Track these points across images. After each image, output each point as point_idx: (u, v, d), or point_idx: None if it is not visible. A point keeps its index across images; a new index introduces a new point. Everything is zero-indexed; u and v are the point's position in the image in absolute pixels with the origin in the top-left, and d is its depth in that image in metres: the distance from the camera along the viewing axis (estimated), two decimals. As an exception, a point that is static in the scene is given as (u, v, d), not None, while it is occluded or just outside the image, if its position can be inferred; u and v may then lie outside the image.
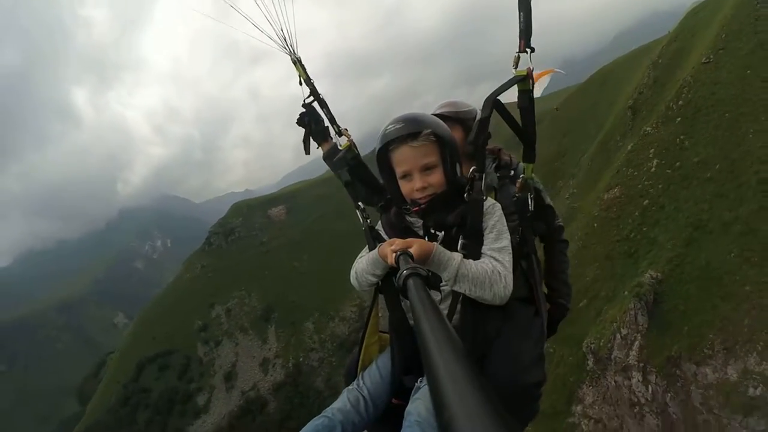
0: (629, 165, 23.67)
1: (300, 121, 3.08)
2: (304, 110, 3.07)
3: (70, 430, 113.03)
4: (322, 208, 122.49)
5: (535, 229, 2.72)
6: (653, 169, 21.93)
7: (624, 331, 17.46)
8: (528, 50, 2.31)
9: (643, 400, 17.03)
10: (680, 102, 23.16)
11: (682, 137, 21.53)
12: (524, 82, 2.35)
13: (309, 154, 3.14)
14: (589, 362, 19.34)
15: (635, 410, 17.38)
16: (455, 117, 2.93)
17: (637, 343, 17.03)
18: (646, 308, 16.97)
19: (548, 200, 3.03)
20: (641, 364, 16.81)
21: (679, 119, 22.43)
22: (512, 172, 2.82)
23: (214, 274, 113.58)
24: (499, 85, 2.41)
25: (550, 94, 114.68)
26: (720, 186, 18.26)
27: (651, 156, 22.54)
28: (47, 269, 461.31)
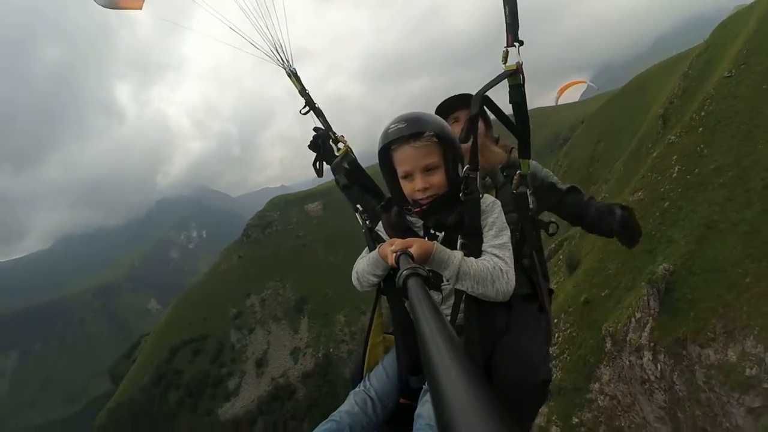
0: (654, 171, 25.87)
1: (313, 145, 3.03)
2: (316, 134, 3.04)
3: (98, 408, 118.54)
4: None
5: (536, 225, 2.74)
6: (674, 174, 24.12)
7: (638, 315, 19.93)
8: (516, 44, 2.35)
9: (652, 378, 19.40)
10: (703, 113, 25.22)
11: (702, 146, 23.69)
12: (514, 76, 2.38)
13: (322, 176, 3.12)
14: (607, 344, 21.70)
15: (645, 387, 19.76)
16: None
17: (648, 325, 19.47)
18: (658, 295, 19.35)
19: (559, 184, 3.11)
20: (652, 344, 19.21)
21: (701, 129, 24.54)
22: (518, 171, 2.78)
23: (251, 264, 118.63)
24: (489, 80, 2.44)
25: (588, 99, 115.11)
26: (731, 191, 20.44)
27: (674, 163, 24.72)
28: (87, 255, 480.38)
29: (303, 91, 3.07)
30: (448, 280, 2.13)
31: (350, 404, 2.23)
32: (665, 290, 19.45)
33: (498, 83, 2.39)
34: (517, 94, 2.42)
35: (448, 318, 2.19)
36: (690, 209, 21.79)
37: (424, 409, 2.08)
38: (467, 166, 2.29)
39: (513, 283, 2.09)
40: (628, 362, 20.55)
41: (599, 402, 21.98)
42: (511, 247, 2.21)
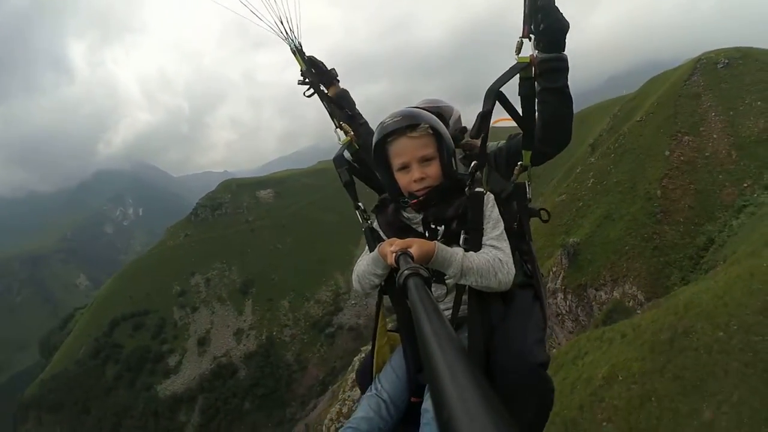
0: (575, 181, 38.11)
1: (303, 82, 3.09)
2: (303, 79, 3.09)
3: (24, 382, 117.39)
4: (309, 196, 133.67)
5: (530, 213, 2.75)
6: (589, 184, 36.25)
7: (554, 269, 31.23)
8: (532, 36, 2.39)
9: (564, 312, 30.51)
10: (616, 144, 37.34)
11: (611, 167, 35.74)
12: (526, 69, 2.40)
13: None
14: (532, 291, 33.58)
15: (559, 318, 30.84)
16: (436, 112, 2.83)
17: (561, 275, 30.78)
18: (567, 255, 30.75)
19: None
20: (563, 288, 30.45)
21: (612, 155, 36.67)
22: (520, 162, 2.71)
23: (198, 244, 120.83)
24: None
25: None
26: (624, 196, 32.38)
27: (590, 177, 36.88)
28: (15, 219, 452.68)
29: (308, 71, 3.04)
30: (452, 277, 2.23)
31: (365, 410, 2.38)
32: (573, 254, 30.84)
33: (511, 77, 2.41)
34: (527, 87, 2.42)
35: (450, 311, 2.35)
36: (596, 206, 33.62)
37: (430, 403, 2.16)
38: (474, 162, 2.39)
39: (513, 272, 2.24)
40: (547, 303, 31.51)
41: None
42: (506, 237, 2.35)
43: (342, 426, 2.36)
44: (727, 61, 37.71)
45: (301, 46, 3.02)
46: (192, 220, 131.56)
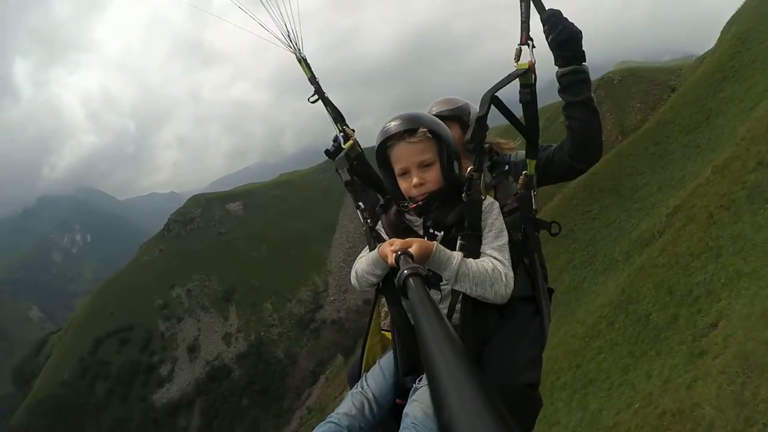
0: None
1: (331, 153, 3.10)
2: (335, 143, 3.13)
3: (2, 411, 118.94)
4: (277, 206, 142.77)
5: (538, 225, 2.84)
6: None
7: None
8: (529, 42, 2.52)
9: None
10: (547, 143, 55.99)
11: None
12: (526, 75, 2.51)
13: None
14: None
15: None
16: (451, 115, 3.18)
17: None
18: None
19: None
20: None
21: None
22: (506, 167, 3.00)
23: (174, 258, 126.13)
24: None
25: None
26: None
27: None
28: None
29: (313, 79, 3.27)
30: (447, 281, 2.34)
31: (348, 406, 2.48)
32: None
33: (509, 83, 2.51)
34: (527, 93, 2.53)
35: None
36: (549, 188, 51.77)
37: (410, 408, 2.30)
38: (471, 167, 2.49)
39: (511, 285, 2.33)
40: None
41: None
42: (509, 249, 2.46)
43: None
44: (620, 78, 55.87)
45: (305, 56, 3.35)
46: (165, 236, 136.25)
